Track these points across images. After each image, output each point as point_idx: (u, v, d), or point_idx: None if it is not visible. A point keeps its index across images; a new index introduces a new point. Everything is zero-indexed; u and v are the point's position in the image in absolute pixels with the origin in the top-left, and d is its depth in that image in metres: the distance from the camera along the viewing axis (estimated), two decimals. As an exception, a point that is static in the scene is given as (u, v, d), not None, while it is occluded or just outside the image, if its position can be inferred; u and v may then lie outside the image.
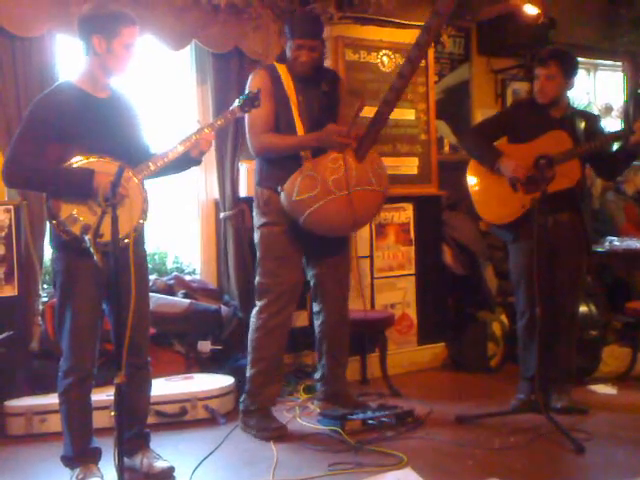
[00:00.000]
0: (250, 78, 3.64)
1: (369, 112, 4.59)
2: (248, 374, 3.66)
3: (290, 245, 3.60)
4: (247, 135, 3.60)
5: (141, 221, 2.93)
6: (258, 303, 3.67)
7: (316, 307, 3.83)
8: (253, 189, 3.75)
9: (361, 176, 3.46)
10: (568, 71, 3.75)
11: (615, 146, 3.87)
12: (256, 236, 3.70)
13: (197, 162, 3.15)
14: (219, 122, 3.14)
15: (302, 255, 3.70)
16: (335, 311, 3.79)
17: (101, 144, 2.86)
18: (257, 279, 3.69)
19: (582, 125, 3.77)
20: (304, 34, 3.54)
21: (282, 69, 3.61)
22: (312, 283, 3.80)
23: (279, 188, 3.49)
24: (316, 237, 3.57)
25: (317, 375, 3.94)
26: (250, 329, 3.66)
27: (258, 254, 3.69)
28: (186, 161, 3.07)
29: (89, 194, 2.75)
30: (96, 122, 2.88)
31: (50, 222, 2.83)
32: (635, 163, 4.30)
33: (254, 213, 3.72)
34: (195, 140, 2.98)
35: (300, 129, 3.54)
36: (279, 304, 3.60)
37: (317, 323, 3.84)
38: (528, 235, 3.68)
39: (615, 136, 3.80)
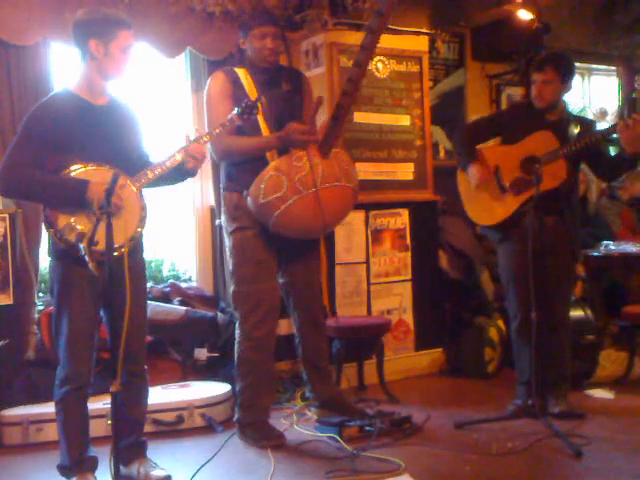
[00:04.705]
0: (208, 82, 3.58)
1: (365, 118, 4.73)
2: (238, 388, 3.61)
3: (265, 249, 3.52)
4: None
5: (139, 229, 2.92)
6: (237, 314, 3.59)
7: (292, 315, 3.78)
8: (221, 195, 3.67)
9: (328, 173, 3.40)
10: (565, 75, 3.77)
11: (611, 147, 3.88)
12: (229, 243, 3.61)
13: (192, 174, 3.12)
14: (217, 130, 3.13)
15: (276, 260, 3.62)
16: (308, 319, 3.72)
17: (99, 152, 2.85)
18: (232, 288, 3.59)
19: (576, 130, 3.78)
20: (265, 21, 3.52)
21: (241, 72, 3.54)
22: (282, 292, 3.70)
23: (244, 193, 3.43)
24: (288, 243, 3.51)
25: (304, 381, 3.90)
26: (236, 341, 3.60)
27: (232, 261, 3.58)
28: (181, 172, 3.04)
29: (84, 204, 2.74)
30: (94, 130, 2.87)
31: (48, 231, 2.82)
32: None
33: (223, 219, 3.64)
34: (189, 150, 2.96)
35: (265, 130, 3.46)
36: (260, 313, 3.51)
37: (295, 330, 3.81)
38: (515, 236, 3.70)
39: (602, 134, 3.79)
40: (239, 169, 3.51)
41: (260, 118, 3.44)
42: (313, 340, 3.75)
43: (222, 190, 3.66)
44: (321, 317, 3.80)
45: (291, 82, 3.62)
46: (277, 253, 3.60)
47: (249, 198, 3.41)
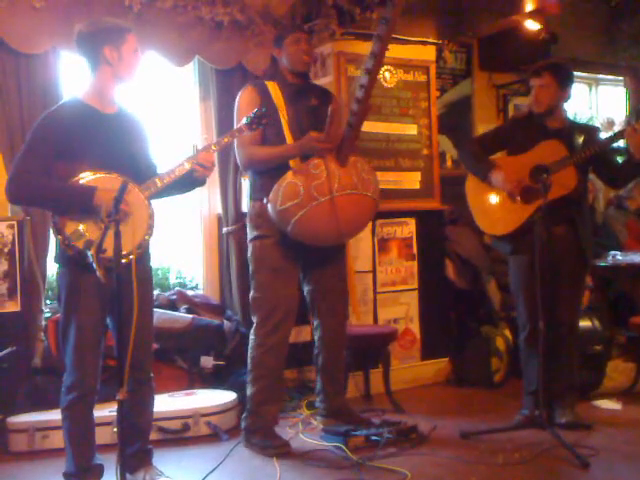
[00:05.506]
0: (239, 95, 3.64)
1: (372, 127, 4.74)
2: (248, 393, 3.63)
3: (284, 257, 3.56)
4: (235, 149, 3.61)
5: (146, 237, 2.92)
6: (254, 319, 3.63)
7: (314, 322, 3.80)
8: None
9: (344, 180, 3.41)
10: (562, 81, 3.77)
11: (617, 154, 3.87)
12: (249, 250, 3.67)
13: (201, 183, 3.14)
14: (226, 139, 3.15)
15: (297, 269, 3.66)
16: (331, 327, 3.74)
17: (108, 160, 2.86)
18: (251, 294, 3.65)
19: (581, 138, 3.78)
20: (299, 28, 3.74)
21: (271, 85, 3.61)
22: (308, 299, 3.76)
23: (265, 200, 3.48)
24: (311, 251, 3.54)
25: (316, 390, 3.92)
26: (249, 346, 3.63)
27: (251, 268, 3.65)
28: (190, 181, 3.06)
29: (91, 211, 2.75)
30: (103, 138, 2.88)
31: (56, 237, 2.83)
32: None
33: (247, 227, 3.70)
34: (198, 159, 2.97)
35: (290, 141, 3.52)
36: (275, 319, 3.55)
37: (315, 338, 3.82)
38: (526, 248, 3.69)
39: (610, 140, 3.79)
40: (262, 177, 3.57)
41: (286, 130, 3.51)
42: (334, 350, 3.77)
43: (248, 199, 3.72)
44: (344, 326, 3.81)
45: (320, 98, 3.68)
46: (299, 261, 3.63)
47: (269, 205, 3.46)
